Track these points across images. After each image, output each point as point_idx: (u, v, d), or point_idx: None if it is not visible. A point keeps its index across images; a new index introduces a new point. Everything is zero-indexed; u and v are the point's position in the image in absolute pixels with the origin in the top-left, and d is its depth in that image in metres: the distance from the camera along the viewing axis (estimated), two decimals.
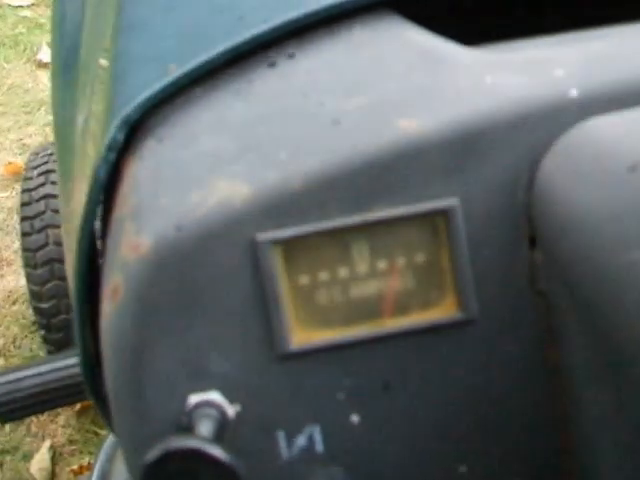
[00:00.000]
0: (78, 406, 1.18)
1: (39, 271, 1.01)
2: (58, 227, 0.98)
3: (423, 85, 0.32)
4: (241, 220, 0.28)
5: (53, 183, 1.03)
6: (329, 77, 0.33)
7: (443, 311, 0.31)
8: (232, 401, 0.29)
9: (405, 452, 0.31)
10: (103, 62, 0.38)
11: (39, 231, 1.03)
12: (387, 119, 0.30)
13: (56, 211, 0.98)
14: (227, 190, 0.29)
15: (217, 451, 0.26)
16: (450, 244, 0.30)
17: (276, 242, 0.29)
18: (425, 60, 0.33)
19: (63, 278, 0.96)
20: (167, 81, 0.32)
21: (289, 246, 0.29)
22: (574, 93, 0.31)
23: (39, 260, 1.01)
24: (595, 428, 0.29)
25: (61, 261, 0.97)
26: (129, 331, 0.28)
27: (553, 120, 0.30)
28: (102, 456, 0.74)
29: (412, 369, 0.31)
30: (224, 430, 0.28)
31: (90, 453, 1.12)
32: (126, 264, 0.29)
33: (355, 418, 0.30)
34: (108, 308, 0.29)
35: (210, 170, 0.29)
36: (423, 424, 0.31)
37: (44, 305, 1.00)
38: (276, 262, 0.29)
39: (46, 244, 1.02)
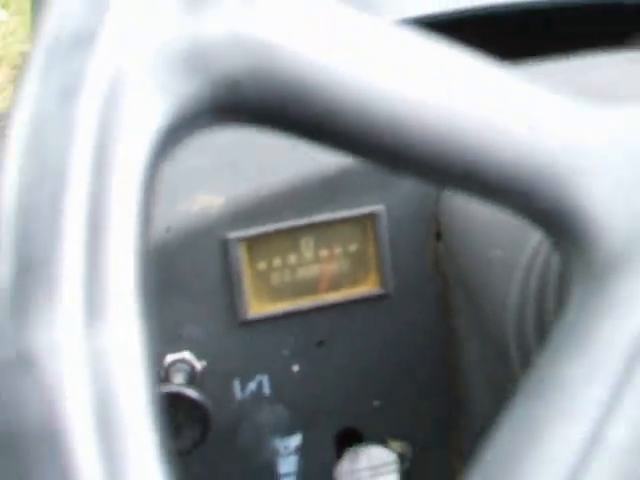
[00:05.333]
0: None
1: None
2: None
3: None
4: (216, 224, 0.39)
5: None
6: None
7: (368, 287, 0.43)
8: (199, 358, 0.41)
9: (332, 393, 0.43)
10: None
11: None
12: None
13: None
14: (206, 201, 0.39)
15: (193, 393, 0.38)
16: (375, 238, 0.42)
17: (242, 239, 0.40)
18: None
19: None
20: None
21: (252, 241, 0.40)
22: None
23: None
24: (470, 372, 0.42)
25: None
26: None
27: None
28: None
29: (341, 331, 0.43)
30: (193, 380, 0.40)
31: None
32: None
33: (295, 368, 0.42)
34: None
35: (193, 185, 0.39)
36: (347, 371, 0.43)
37: None
38: (241, 253, 0.40)
39: None
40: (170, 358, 0.40)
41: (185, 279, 0.40)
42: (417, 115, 0.17)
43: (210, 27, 0.16)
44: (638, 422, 0.18)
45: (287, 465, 0.43)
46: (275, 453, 0.43)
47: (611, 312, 0.19)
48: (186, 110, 0.16)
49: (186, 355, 0.40)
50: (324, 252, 0.42)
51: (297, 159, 0.40)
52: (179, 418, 0.38)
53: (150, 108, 0.16)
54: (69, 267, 0.14)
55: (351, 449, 0.41)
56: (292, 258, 0.41)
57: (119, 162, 0.15)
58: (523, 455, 0.17)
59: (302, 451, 0.43)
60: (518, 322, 0.33)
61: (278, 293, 0.42)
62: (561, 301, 0.30)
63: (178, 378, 0.40)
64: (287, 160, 0.40)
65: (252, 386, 0.42)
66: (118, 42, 0.16)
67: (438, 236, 0.43)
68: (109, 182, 0.15)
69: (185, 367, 0.40)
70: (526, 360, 0.33)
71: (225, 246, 0.40)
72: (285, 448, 0.43)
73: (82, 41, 0.15)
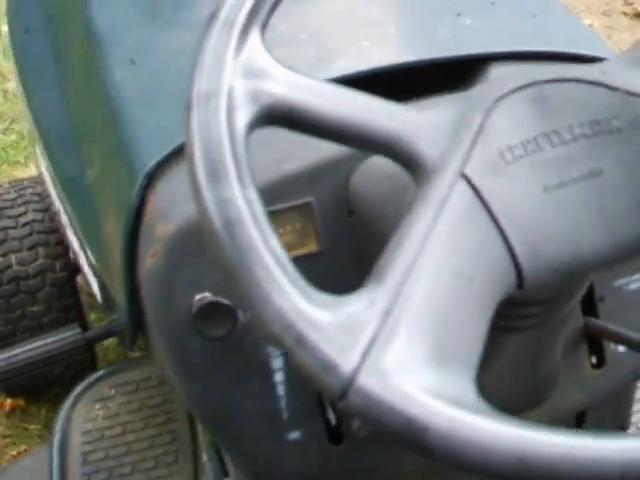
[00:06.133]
0: (7, 407, 1.45)
1: None
2: None
3: (293, 147, 0.70)
4: None
5: None
6: None
7: (311, 247, 0.69)
8: (214, 294, 0.66)
9: None
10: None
11: None
12: (277, 165, 0.68)
13: None
14: None
15: (225, 300, 0.64)
16: (312, 217, 0.69)
17: None
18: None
19: None
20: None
21: None
22: None
23: None
24: None
25: None
26: (163, 274, 0.65)
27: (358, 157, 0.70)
28: (61, 417, 1.08)
29: None
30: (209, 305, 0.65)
31: (23, 444, 1.40)
32: (160, 239, 0.65)
33: None
34: (149, 262, 0.66)
35: None
36: None
37: None
38: None
39: None
40: (197, 297, 0.66)
41: (200, 252, 0.66)
42: (350, 118, 0.48)
43: (259, 85, 0.47)
44: (441, 255, 0.47)
45: (277, 362, 0.69)
46: (268, 355, 0.69)
47: (426, 196, 0.48)
48: (255, 117, 0.47)
49: (207, 294, 0.66)
50: (281, 230, 0.69)
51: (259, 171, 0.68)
52: (218, 315, 0.63)
53: (242, 117, 0.46)
54: (229, 167, 0.44)
55: None
56: None
57: (237, 138, 0.45)
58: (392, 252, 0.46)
59: (285, 353, 0.69)
60: None
61: None
62: None
63: (203, 301, 0.65)
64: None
65: (248, 313, 0.68)
66: (229, 92, 0.46)
67: (350, 212, 0.71)
68: (236, 147, 0.45)
69: (207, 296, 0.65)
70: None
71: None
72: (275, 351, 0.69)
73: (212, 94, 0.46)
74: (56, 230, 1.30)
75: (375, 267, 0.45)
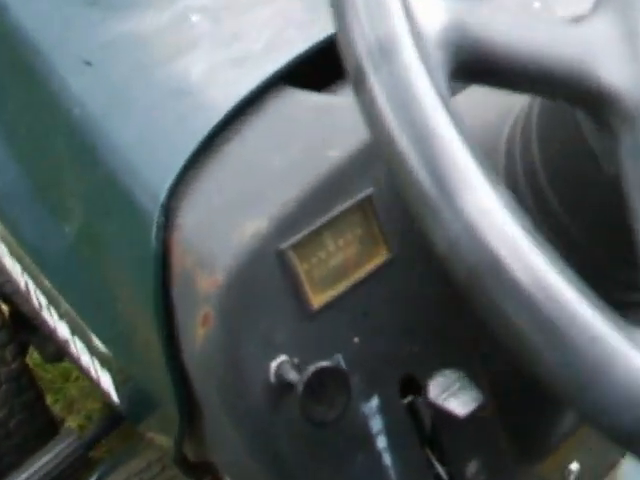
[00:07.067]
0: None
1: None
2: None
3: (332, 129, 0.51)
4: (268, 241, 0.46)
5: None
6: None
7: (382, 255, 0.51)
8: (291, 356, 0.47)
9: (387, 350, 0.51)
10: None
11: None
12: (319, 154, 0.49)
13: None
14: (254, 226, 0.46)
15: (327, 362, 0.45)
16: (375, 216, 0.50)
17: (290, 246, 0.47)
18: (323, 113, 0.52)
19: None
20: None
21: (295, 246, 0.47)
22: None
23: None
24: None
25: None
26: (225, 344, 0.45)
27: None
28: None
29: (375, 298, 0.50)
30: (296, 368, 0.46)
31: None
32: (208, 297, 0.45)
33: (356, 340, 0.50)
34: (200, 332, 0.46)
35: (239, 216, 0.46)
36: (392, 329, 0.51)
37: None
38: (293, 256, 0.47)
39: None
40: (274, 363, 0.46)
41: (260, 296, 0.46)
42: (538, 53, 0.34)
43: (445, 24, 0.32)
44: None
45: (377, 424, 0.51)
46: (366, 417, 0.50)
47: None
48: (455, 70, 0.32)
49: (283, 357, 0.47)
50: (341, 241, 0.50)
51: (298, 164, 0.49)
52: (328, 387, 0.44)
53: (442, 72, 0.32)
54: (464, 159, 0.30)
55: (431, 377, 0.50)
56: (322, 254, 0.49)
57: (448, 105, 0.30)
58: None
59: (382, 409, 0.51)
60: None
61: (324, 285, 0.49)
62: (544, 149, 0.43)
63: (289, 375, 0.45)
64: (293, 180, 0.48)
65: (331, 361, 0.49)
66: (414, 40, 0.31)
67: None
68: (457, 121, 0.30)
69: (287, 365, 0.46)
70: None
71: (282, 254, 0.47)
72: (370, 410, 0.50)
73: (390, 47, 0.30)
74: None
75: None
